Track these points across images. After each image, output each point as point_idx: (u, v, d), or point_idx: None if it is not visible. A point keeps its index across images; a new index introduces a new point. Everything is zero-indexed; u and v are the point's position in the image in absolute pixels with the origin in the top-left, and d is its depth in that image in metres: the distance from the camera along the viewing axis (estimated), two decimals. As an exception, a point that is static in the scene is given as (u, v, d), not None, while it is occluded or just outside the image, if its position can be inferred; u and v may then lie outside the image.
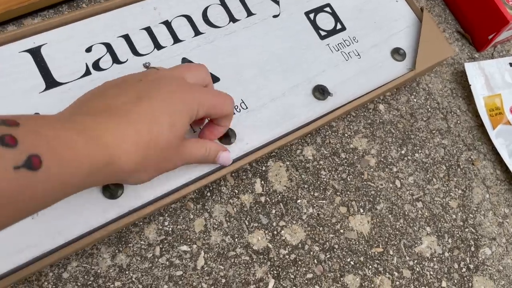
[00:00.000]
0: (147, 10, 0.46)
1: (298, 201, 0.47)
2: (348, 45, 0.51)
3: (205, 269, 0.42)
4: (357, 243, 0.47)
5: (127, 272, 0.40)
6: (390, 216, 0.49)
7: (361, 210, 0.49)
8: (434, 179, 0.53)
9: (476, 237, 0.52)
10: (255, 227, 0.45)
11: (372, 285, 0.46)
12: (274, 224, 0.46)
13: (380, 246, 0.48)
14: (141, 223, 0.43)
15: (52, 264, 0.39)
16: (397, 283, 0.46)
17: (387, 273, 0.47)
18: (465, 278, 0.49)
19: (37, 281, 0.39)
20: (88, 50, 0.43)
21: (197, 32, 0.47)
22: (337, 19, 0.53)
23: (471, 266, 0.50)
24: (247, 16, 0.49)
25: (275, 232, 0.45)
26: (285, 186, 0.48)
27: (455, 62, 0.63)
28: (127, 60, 0.43)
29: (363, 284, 0.45)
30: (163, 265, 0.42)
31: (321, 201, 0.48)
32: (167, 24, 0.46)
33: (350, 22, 0.53)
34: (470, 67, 0.60)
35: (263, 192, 0.47)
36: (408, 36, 0.55)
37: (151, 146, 0.30)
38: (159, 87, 0.32)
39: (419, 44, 0.53)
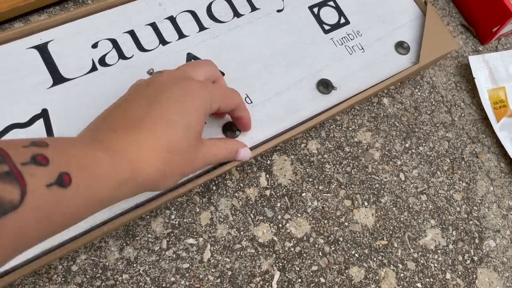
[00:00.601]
0: (152, 5, 0.46)
1: (303, 194, 0.48)
2: (352, 39, 0.52)
3: (211, 261, 0.43)
4: (362, 235, 0.48)
5: (134, 265, 0.41)
6: (394, 209, 0.50)
7: (366, 203, 0.49)
8: (438, 172, 0.53)
9: (480, 229, 0.52)
10: (260, 220, 0.46)
11: (377, 277, 0.46)
12: (279, 217, 0.46)
13: (385, 239, 0.48)
14: (148, 217, 0.43)
15: (61, 257, 0.40)
16: (402, 275, 0.47)
17: (391, 265, 0.47)
18: (470, 270, 0.49)
19: (47, 274, 0.39)
20: (94, 46, 0.43)
21: (202, 28, 0.47)
22: (340, 13, 0.53)
23: (475, 258, 0.50)
24: (251, 11, 0.50)
25: (280, 225, 0.46)
26: (289, 179, 0.48)
27: (459, 55, 0.63)
28: (132, 55, 0.44)
29: (368, 276, 0.46)
30: (170, 257, 0.42)
31: (325, 194, 0.48)
32: (172, 19, 0.47)
33: (353, 16, 0.53)
34: (474, 60, 0.60)
35: (268, 186, 0.47)
36: (412, 29, 0.55)
37: (172, 150, 0.31)
38: (167, 88, 0.32)
39: (423, 37, 0.53)
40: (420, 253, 0.48)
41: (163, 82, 0.33)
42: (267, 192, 0.47)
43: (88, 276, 0.40)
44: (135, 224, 0.43)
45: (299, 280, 0.44)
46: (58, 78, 0.41)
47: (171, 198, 0.40)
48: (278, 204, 0.47)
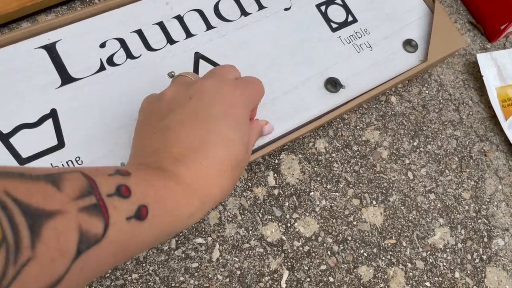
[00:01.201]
0: (159, 5, 0.46)
1: (311, 193, 0.48)
2: (359, 37, 0.51)
3: (220, 261, 0.43)
4: (370, 234, 0.47)
5: (144, 265, 0.41)
6: (402, 207, 0.50)
7: (374, 202, 0.49)
8: (446, 171, 0.53)
9: (489, 228, 0.52)
10: (268, 220, 0.46)
11: (386, 276, 0.46)
12: (288, 216, 0.46)
13: (393, 238, 0.48)
14: (156, 216, 0.43)
15: (71, 257, 0.40)
16: (410, 274, 0.47)
17: (400, 264, 0.47)
18: (478, 269, 0.49)
19: (57, 274, 0.39)
20: (102, 45, 0.43)
21: (209, 26, 0.47)
22: (348, 11, 0.53)
23: (484, 257, 0.50)
24: (259, 10, 0.49)
25: (289, 224, 0.46)
26: (297, 178, 0.48)
27: (467, 53, 0.62)
28: (140, 55, 0.44)
29: (377, 275, 0.46)
30: (179, 257, 0.42)
31: (333, 193, 0.48)
32: (179, 18, 0.46)
33: (361, 14, 0.53)
34: (482, 58, 0.60)
35: (276, 185, 0.47)
36: (420, 27, 0.54)
37: (234, 168, 0.31)
38: (213, 102, 0.32)
39: (431, 35, 0.53)
40: (428, 252, 0.48)
41: (205, 92, 0.32)
42: (275, 191, 0.47)
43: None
44: (144, 224, 0.43)
45: (308, 279, 0.44)
46: (66, 78, 0.41)
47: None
48: (286, 203, 0.47)
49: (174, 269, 0.42)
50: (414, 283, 0.46)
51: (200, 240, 0.43)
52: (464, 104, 0.58)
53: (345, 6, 0.53)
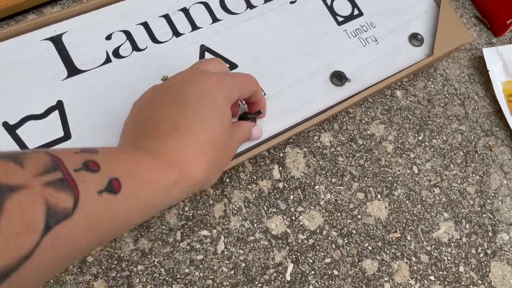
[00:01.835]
0: (165, -3, 0.46)
1: (316, 187, 0.48)
2: (365, 31, 0.51)
3: (225, 253, 0.43)
4: (375, 228, 0.47)
5: (149, 256, 0.41)
6: (407, 202, 0.49)
7: (379, 196, 0.49)
8: (451, 165, 0.53)
9: (493, 222, 0.52)
10: (273, 213, 0.46)
11: (390, 270, 0.46)
12: (292, 209, 0.46)
13: (398, 232, 0.48)
14: (162, 209, 0.43)
15: (77, 248, 0.40)
16: (415, 268, 0.47)
17: (404, 258, 0.47)
18: (483, 263, 0.49)
19: (63, 265, 0.40)
20: (108, 37, 0.43)
21: (215, 19, 0.47)
22: (354, 4, 0.52)
23: (489, 251, 0.50)
24: (264, 3, 0.49)
25: (293, 218, 0.46)
26: (302, 172, 0.48)
27: (472, 47, 0.62)
28: (146, 47, 0.44)
29: (381, 268, 0.46)
30: (184, 249, 0.42)
31: (338, 187, 0.48)
32: (185, 11, 0.46)
33: (367, 7, 0.53)
34: (488, 52, 0.59)
35: (281, 178, 0.47)
36: (426, 21, 0.54)
37: (215, 148, 0.31)
38: (190, 87, 0.32)
39: (437, 29, 0.52)
40: (433, 246, 0.48)
41: (183, 80, 0.33)
42: (280, 185, 0.47)
43: (103, 267, 0.40)
44: (149, 216, 0.43)
45: (313, 272, 0.44)
46: (72, 70, 0.41)
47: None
48: (291, 197, 0.47)
49: (179, 261, 0.42)
50: (418, 277, 0.46)
51: (205, 232, 0.43)
52: (470, 98, 0.58)
53: (351, 0, 0.52)
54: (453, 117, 0.56)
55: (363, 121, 0.52)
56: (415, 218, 0.49)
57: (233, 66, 0.46)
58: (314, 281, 0.44)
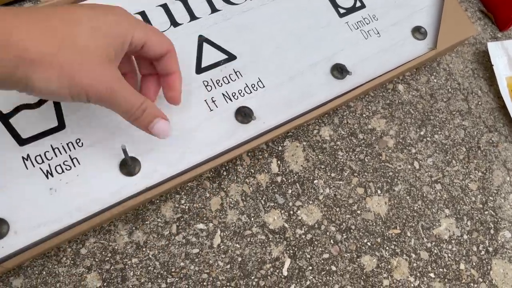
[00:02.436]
0: (163, -14, 0.46)
1: (315, 181, 0.47)
2: (367, 23, 0.50)
3: (221, 247, 0.42)
4: (374, 224, 0.47)
5: (144, 249, 0.41)
6: (408, 197, 0.49)
7: (379, 191, 0.48)
8: (453, 161, 0.52)
9: (495, 220, 0.51)
10: (271, 207, 0.45)
11: (389, 266, 0.45)
12: (290, 204, 0.45)
13: (398, 228, 0.47)
14: (157, 201, 0.43)
15: (71, 240, 0.39)
16: (414, 264, 0.46)
17: (404, 255, 0.46)
18: (484, 261, 0.48)
19: (56, 256, 0.39)
20: (105, 26, 0.42)
21: (214, 9, 0.46)
22: (356, -4, 0.51)
23: (490, 249, 0.49)
24: (265, -7, 0.48)
25: (291, 212, 0.45)
26: (301, 166, 0.47)
27: (477, 42, 0.61)
28: (143, 37, 0.43)
29: (380, 265, 0.45)
30: (180, 242, 0.42)
31: (338, 181, 0.48)
32: (184, 1, 0.46)
33: (370, -1, 0.52)
34: (493, 47, 0.58)
35: (279, 172, 0.47)
36: (430, 14, 0.53)
37: (64, 41, 0.27)
38: (90, 7, 0.29)
39: (441, 22, 0.51)
40: (433, 243, 0.47)
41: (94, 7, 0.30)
42: (278, 179, 0.46)
43: (97, 260, 0.39)
44: (144, 208, 0.42)
45: (310, 267, 0.43)
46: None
47: (182, 182, 0.40)
48: (290, 191, 0.46)
49: (175, 254, 0.41)
50: (418, 274, 0.46)
51: (201, 225, 0.43)
52: (473, 93, 0.57)
53: (353, -9, 0.52)
54: (456, 112, 0.55)
55: (364, 115, 0.51)
56: (415, 214, 0.48)
57: (231, 57, 0.45)
58: (311, 277, 0.43)
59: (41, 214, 0.35)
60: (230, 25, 0.46)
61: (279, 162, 0.47)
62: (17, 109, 0.38)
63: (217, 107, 0.42)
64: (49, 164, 0.37)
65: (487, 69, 0.59)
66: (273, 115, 0.44)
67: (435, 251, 0.47)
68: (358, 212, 0.47)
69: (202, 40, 0.45)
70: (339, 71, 0.46)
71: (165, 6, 0.45)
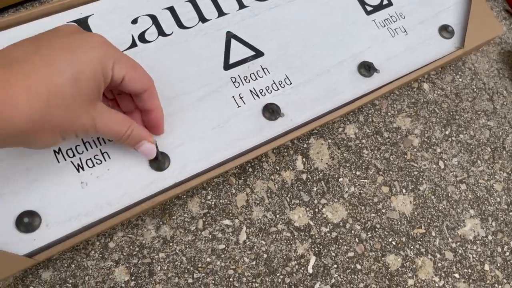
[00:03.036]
0: (192, -18, 0.45)
1: (340, 179, 0.47)
2: (394, 21, 0.50)
3: (247, 243, 0.42)
4: (399, 223, 0.46)
5: (171, 244, 0.41)
6: (433, 197, 0.48)
7: (404, 191, 0.48)
8: (478, 161, 0.52)
9: (520, 221, 0.50)
10: (296, 204, 0.45)
11: (414, 266, 0.45)
12: (316, 201, 0.45)
13: (422, 227, 0.47)
14: (184, 196, 0.43)
15: (99, 234, 0.40)
16: (439, 264, 0.46)
17: (429, 255, 0.46)
18: (509, 262, 0.48)
19: (84, 250, 0.39)
20: (134, 21, 0.42)
21: (242, 5, 0.46)
22: (383, -6, 0.51)
23: (515, 250, 0.49)
24: (292, -10, 0.48)
25: (316, 210, 0.45)
26: (326, 164, 0.47)
27: (502, 41, 0.60)
28: (172, 32, 0.43)
29: (405, 264, 0.45)
30: (206, 238, 0.42)
31: (363, 180, 0.47)
32: (212, -4, 0.46)
33: (397, -3, 0.51)
34: (519, 47, 0.58)
35: (304, 170, 0.47)
36: (457, 13, 0.53)
37: (50, 100, 0.26)
38: (64, 36, 0.28)
39: (469, 21, 0.51)
40: (458, 243, 0.47)
41: (64, 29, 0.29)
42: (304, 176, 0.46)
43: (125, 253, 0.40)
44: (171, 203, 0.42)
45: (335, 266, 0.43)
46: (98, 53, 0.40)
47: (209, 178, 0.40)
48: (315, 189, 0.46)
49: (201, 249, 0.41)
50: (442, 274, 0.45)
51: (227, 221, 0.43)
52: (498, 93, 0.56)
53: (380, -11, 0.51)
54: (481, 112, 0.54)
55: (389, 114, 0.51)
56: (440, 214, 0.48)
57: (258, 53, 0.45)
58: (336, 275, 0.43)
59: (72, 208, 0.36)
60: (257, 22, 0.46)
61: (304, 159, 0.47)
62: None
63: (244, 103, 0.42)
64: (80, 158, 0.37)
65: (513, 69, 0.58)
66: (300, 113, 0.43)
67: (460, 251, 0.47)
68: (383, 211, 0.47)
69: (230, 36, 0.44)
70: (367, 69, 0.46)
71: (193, 2, 0.45)
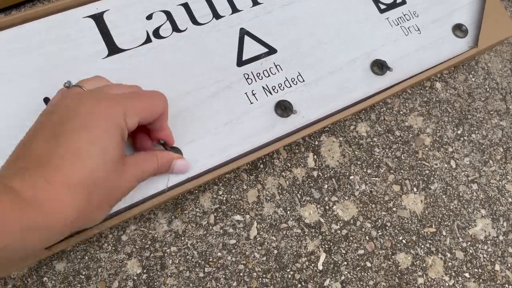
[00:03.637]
0: (206, -22, 0.46)
1: (351, 177, 0.47)
2: (408, 20, 0.50)
3: (257, 239, 0.43)
4: (410, 222, 0.46)
5: (182, 238, 0.41)
6: (444, 196, 0.48)
7: (415, 189, 0.48)
8: (490, 161, 0.51)
9: (532, 222, 0.50)
10: (307, 201, 0.45)
11: (424, 265, 0.45)
12: (326, 199, 0.46)
13: (433, 226, 0.47)
14: (196, 191, 0.43)
15: (112, 227, 0.40)
16: (449, 264, 0.46)
17: (439, 254, 0.46)
18: (520, 263, 0.48)
19: (98, 242, 0.40)
20: (149, 17, 0.43)
21: (255, 2, 0.46)
22: (397, -8, 0.51)
23: (526, 251, 0.49)
24: (306, -13, 0.48)
25: (327, 207, 0.45)
26: (337, 161, 0.47)
27: (516, 41, 0.60)
28: (186, 29, 0.43)
29: (415, 263, 0.45)
30: (217, 233, 0.42)
31: (374, 178, 0.47)
32: (226, -7, 0.46)
33: (410, -5, 0.51)
34: (533, 47, 0.57)
35: (315, 167, 0.47)
36: (470, 12, 0.52)
37: (89, 185, 0.27)
38: (73, 115, 0.29)
39: (483, 20, 0.51)
40: (469, 243, 0.47)
41: (68, 107, 0.29)
42: (315, 173, 0.46)
43: (137, 247, 0.40)
44: (183, 198, 0.43)
45: (345, 263, 0.43)
46: (113, 49, 0.41)
47: (221, 174, 0.40)
48: (326, 186, 0.46)
49: (212, 244, 0.42)
50: (453, 273, 0.45)
51: (238, 217, 0.43)
52: (511, 93, 0.56)
53: (394, -13, 0.51)
54: (494, 112, 0.54)
55: (401, 112, 0.51)
56: (451, 213, 0.48)
57: (271, 51, 0.45)
58: (346, 272, 0.43)
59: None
60: (271, 19, 0.46)
61: (315, 156, 0.47)
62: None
63: (257, 100, 0.43)
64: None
65: (526, 69, 0.58)
66: (313, 110, 0.44)
67: (471, 251, 0.47)
68: (394, 209, 0.47)
69: (243, 33, 0.45)
70: (380, 67, 0.46)
71: (207, -2, 0.45)
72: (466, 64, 0.56)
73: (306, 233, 0.44)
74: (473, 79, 0.55)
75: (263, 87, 0.43)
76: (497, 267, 0.47)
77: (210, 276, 0.40)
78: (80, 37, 0.40)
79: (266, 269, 0.42)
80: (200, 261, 0.41)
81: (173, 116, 0.38)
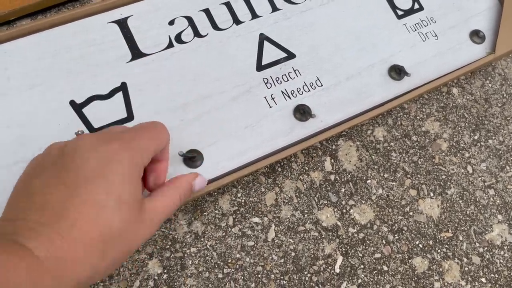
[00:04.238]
0: (227, -15, 0.47)
1: (368, 181, 0.47)
2: (425, 26, 0.50)
3: (275, 241, 0.43)
4: (426, 226, 0.47)
5: (202, 239, 0.42)
6: (460, 201, 0.49)
7: (431, 194, 0.48)
8: (507, 167, 0.51)
9: (549, 228, 0.50)
10: (324, 204, 0.46)
11: (440, 269, 0.45)
12: (343, 202, 0.46)
13: (450, 231, 0.47)
14: (215, 193, 0.44)
15: (134, 227, 0.41)
16: (466, 269, 0.46)
17: (456, 258, 0.46)
18: (537, 269, 0.48)
19: (120, 242, 0.41)
20: (171, 23, 0.44)
21: (275, 8, 0.47)
22: (414, -2, 0.51)
23: (543, 257, 0.48)
24: (324, -6, 0.49)
25: (344, 211, 0.46)
26: (355, 165, 0.48)
27: (533, 47, 0.60)
28: (207, 34, 0.44)
29: (431, 267, 0.45)
30: (236, 234, 0.43)
31: (391, 182, 0.48)
32: (246, -1, 0.47)
33: (428, 2, 0.52)
34: (550, 53, 0.57)
35: (332, 171, 0.47)
36: (488, 18, 0.53)
37: (106, 239, 0.25)
38: (84, 161, 0.27)
39: (500, 26, 0.51)
40: (485, 248, 0.47)
41: (76, 150, 0.27)
42: (332, 177, 0.47)
43: (158, 247, 0.41)
44: (203, 200, 0.43)
45: (362, 266, 0.44)
46: (136, 53, 0.42)
47: (240, 177, 0.41)
48: (343, 190, 0.47)
49: (231, 246, 0.42)
50: (469, 278, 0.45)
51: (256, 219, 0.44)
52: (529, 100, 0.56)
53: (411, -7, 0.52)
54: (511, 118, 0.54)
55: (418, 117, 0.51)
56: (468, 218, 0.48)
57: (291, 55, 0.46)
58: (363, 275, 0.43)
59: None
60: (290, 24, 0.47)
61: (332, 160, 0.48)
62: (89, 100, 0.39)
63: (276, 104, 0.43)
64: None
65: (544, 75, 0.58)
66: (331, 114, 0.44)
67: (487, 256, 0.47)
68: (411, 213, 0.47)
69: (263, 38, 0.46)
70: (397, 72, 0.46)
71: (228, 4, 0.46)
72: (483, 70, 0.56)
73: (323, 236, 0.44)
74: (490, 85, 0.56)
75: (282, 92, 0.44)
76: (514, 273, 0.47)
77: (229, 277, 0.41)
78: (105, 41, 0.41)
79: (284, 271, 0.42)
80: (219, 262, 0.41)
81: (194, 120, 0.39)
